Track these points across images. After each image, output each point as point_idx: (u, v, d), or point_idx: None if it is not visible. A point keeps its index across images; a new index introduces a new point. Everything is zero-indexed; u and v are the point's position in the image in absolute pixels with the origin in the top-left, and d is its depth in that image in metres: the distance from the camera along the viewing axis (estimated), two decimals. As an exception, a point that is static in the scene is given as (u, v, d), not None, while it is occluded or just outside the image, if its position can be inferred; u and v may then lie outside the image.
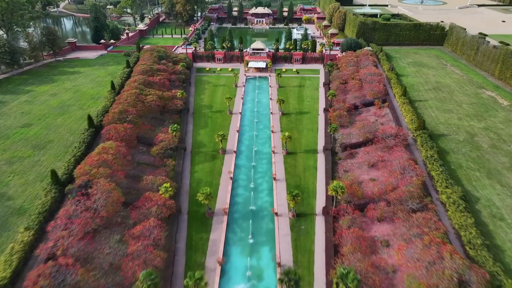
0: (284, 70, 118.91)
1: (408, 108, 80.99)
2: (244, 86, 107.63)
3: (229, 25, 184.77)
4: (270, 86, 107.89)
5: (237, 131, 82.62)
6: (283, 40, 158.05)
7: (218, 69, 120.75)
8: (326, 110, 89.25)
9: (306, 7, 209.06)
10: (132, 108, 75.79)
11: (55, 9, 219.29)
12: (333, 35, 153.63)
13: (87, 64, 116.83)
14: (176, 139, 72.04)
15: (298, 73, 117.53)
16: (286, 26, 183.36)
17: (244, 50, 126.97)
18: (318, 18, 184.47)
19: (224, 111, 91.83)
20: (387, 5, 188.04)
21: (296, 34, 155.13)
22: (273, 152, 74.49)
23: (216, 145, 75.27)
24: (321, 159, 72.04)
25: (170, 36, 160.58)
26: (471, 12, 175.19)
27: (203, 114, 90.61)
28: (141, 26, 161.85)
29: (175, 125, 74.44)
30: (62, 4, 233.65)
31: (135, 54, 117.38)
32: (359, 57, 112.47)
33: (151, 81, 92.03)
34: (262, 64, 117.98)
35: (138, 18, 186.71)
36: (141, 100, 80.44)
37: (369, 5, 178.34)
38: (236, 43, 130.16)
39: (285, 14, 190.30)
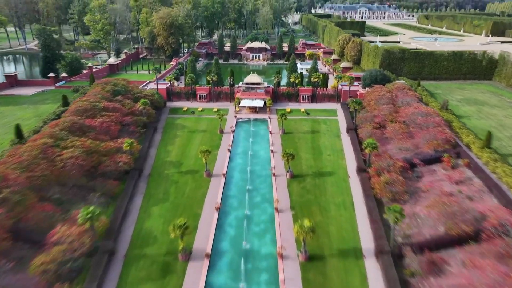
0: (288, 110, 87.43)
1: (508, 170, 47.70)
2: (233, 132, 75.13)
3: (220, 61, 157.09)
4: (270, 132, 75.45)
5: (216, 209, 48.42)
6: (285, 74, 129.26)
7: (200, 109, 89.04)
8: (361, 171, 55.83)
9: (309, 42, 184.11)
10: (24, 172, 41.84)
11: (24, 46, 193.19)
12: (346, 69, 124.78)
13: (16, 101, 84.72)
14: (94, 235, 37.52)
15: (308, 114, 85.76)
16: (287, 62, 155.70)
17: (236, 86, 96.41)
18: (324, 53, 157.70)
19: (200, 171, 58.29)
20: (398, 42, 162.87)
21: (302, 69, 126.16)
22: (281, 257, 39.74)
23: (174, 245, 40.59)
24: (373, 273, 37.26)
25: (147, 72, 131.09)
26: (494, 48, 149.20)
27: (164, 178, 56.79)
28: (111, 60, 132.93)
29: (107, 204, 40.18)
30: (34, 42, 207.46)
31: (85, 89, 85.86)
32: (393, 92, 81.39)
33: (87, 125, 59.13)
34: (259, 103, 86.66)
35: (113, 53, 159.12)
36: (50, 157, 46.69)
37: (380, 42, 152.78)
38: (225, 77, 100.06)
39: (285, 49, 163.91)
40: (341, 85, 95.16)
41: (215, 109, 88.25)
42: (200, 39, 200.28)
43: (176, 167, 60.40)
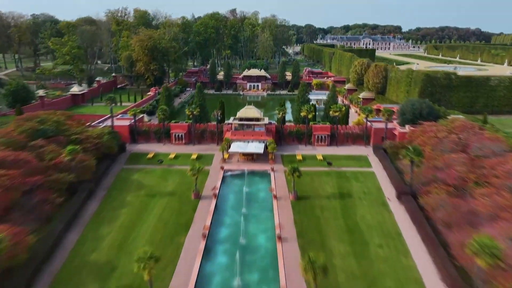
0: (299, 157, 60.72)
1: None
2: (216, 196, 47.50)
3: (212, 91, 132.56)
4: (275, 196, 47.80)
5: None
6: (290, 106, 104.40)
7: (172, 155, 62.00)
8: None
9: (315, 70, 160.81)
10: None
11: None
12: (367, 100, 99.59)
13: None
14: None
15: (329, 164, 58.71)
16: (290, 93, 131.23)
17: (226, 123, 70.34)
18: (335, 81, 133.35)
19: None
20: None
21: (314, 100, 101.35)
22: None
23: None
24: None
25: (118, 104, 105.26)
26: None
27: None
28: (75, 90, 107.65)
29: None
30: (5, 71, 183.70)
31: (6, 125, 58.96)
32: (457, 133, 54.71)
33: None
34: (257, 147, 59.99)
35: (85, 82, 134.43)
36: None
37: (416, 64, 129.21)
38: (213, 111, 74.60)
39: (289, 78, 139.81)
40: (369, 121, 68.92)
41: (193, 156, 61.27)
42: (193, 67, 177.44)
43: (101, 279, 32.21)
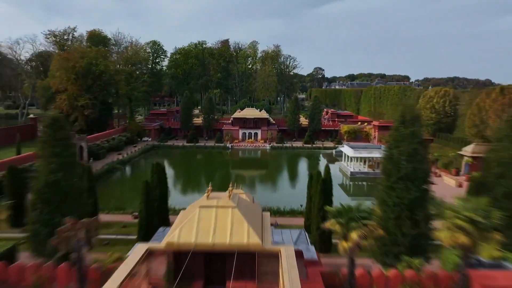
0: None
1: None
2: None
3: (182, 143, 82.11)
4: None
5: None
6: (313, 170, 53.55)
7: None
8: None
9: (342, 112, 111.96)
10: None
11: None
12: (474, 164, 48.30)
13: None
14: None
15: None
16: (309, 145, 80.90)
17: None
18: (380, 127, 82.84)
19: None
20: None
21: (354, 158, 50.94)
22: None
23: None
24: None
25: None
26: None
27: None
28: None
29: None
30: None
31: None
32: None
33: None
34: None
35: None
36: None
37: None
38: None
39: (305, 123, 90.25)
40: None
41: None
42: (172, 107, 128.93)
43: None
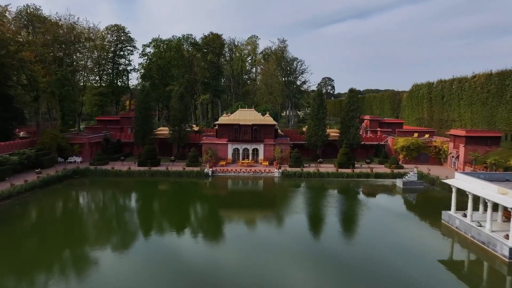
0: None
1: None
2: None
3: (131, 166, 47.94)
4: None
5: None
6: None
7: None
8: None
9: (385, 119, 76.78)
10: None
11: None
12: None
13: None
14: None
15: None
16: (345, 170, 46.48)
17: None
18: (467, 137, 49.06)
19: None
20: None
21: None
22: None
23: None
24: None
25: None
26: None
27: None
28: None
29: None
30: None
31: None
32: None
33: None
34: None
35: None
36: None
37: None
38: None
39: (333, 134, 56.24)
40: None
41: None
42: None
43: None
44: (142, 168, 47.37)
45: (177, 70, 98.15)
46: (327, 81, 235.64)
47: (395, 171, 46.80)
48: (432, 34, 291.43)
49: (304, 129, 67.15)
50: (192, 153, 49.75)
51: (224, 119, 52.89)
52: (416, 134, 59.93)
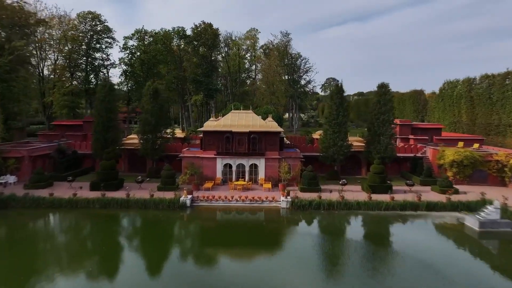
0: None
1: None
2: None
3: (77, 191, 34.32)
4: None
5: None
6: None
7: None
8: None
9: (419, 124, 62.82)
10: None
11: None
12: None
13: None
14: None
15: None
16: (388, 197, 32.62)
17: None
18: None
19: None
20: None
21: None
22: None
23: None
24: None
25: None
26: None
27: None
28: None
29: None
30: None
31: None
32: None
33: None
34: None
35: None
36: None
37: None
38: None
39: (357, 145, 42.42)
40: None
41: None
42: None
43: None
44: (93, 194, 33.56)
45: (166, 67, 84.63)
46: (331, 82, 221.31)
47: (453, 198, 32.97)
48: (434, 37, 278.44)
49: (314, 135, 53.56)
50: (166, 172, 35.82)
51: (211, 124, 39.00)
52: (461, 143, 46.17)
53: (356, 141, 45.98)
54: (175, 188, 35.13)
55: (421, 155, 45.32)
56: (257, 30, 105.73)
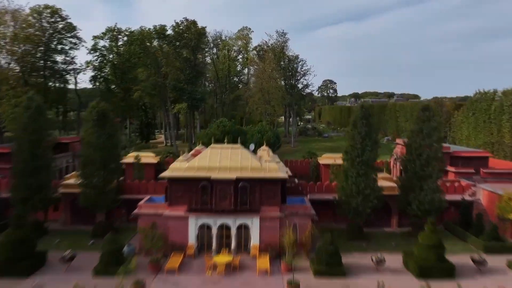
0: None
1: None
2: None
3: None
4: None
5: None
6: None
7: None
8: None
9: (457, 151, 50.27)
10: None
11: None
12: None
13: None
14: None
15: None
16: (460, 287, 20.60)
17: None
18: None
19: None
20: None
21: None
22: None
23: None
24: None
25: None
26: None
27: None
28: None
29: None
30: None
31: None
32: None
33: None
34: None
35: None
36: None
37: None
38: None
39: (387, 186, 30.45)
40: None
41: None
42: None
43: None
44: None
45: (147, 70, 72.15)
46: (328, 84, 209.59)
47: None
48: (429, 37, 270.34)
49: (321, 160, 41.34)
50: (108, 246, 23.13)
51: (180, 167, 26.47)
52: (518, 181, 34.47)
53: (383, 179, 33.94)
54: (125, 271, 22.48)
55: (470, 198, 33.56)
56: (249, 29, 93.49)
